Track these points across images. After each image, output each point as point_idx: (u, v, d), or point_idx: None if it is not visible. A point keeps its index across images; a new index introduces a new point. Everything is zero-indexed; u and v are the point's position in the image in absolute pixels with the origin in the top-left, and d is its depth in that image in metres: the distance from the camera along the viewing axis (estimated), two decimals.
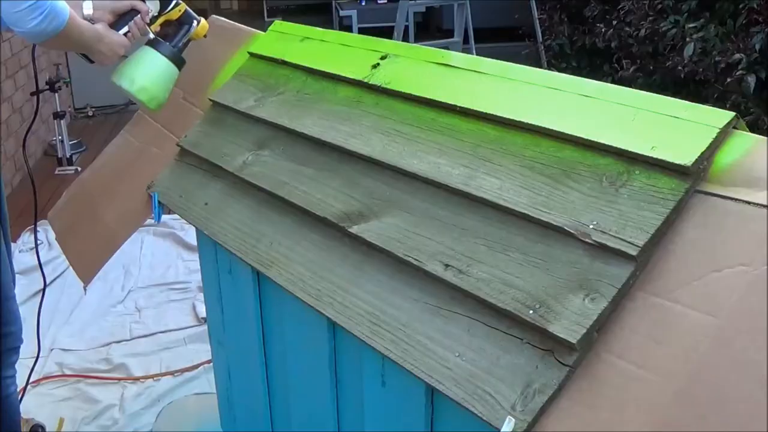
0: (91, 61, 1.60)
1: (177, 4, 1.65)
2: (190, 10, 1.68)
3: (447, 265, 1.06)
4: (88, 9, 1.55)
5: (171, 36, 1.65)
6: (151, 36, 1.63)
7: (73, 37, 1.49)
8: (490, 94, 1.23)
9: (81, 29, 1.50)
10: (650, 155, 0.98)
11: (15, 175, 4.24)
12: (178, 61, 1.64)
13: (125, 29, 1.59)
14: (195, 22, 1.67)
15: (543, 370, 0.92)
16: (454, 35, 5.21)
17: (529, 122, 1.13)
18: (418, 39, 5.56)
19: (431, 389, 1.06)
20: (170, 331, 2.78)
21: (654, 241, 0.92)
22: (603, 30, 4.48)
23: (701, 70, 3.66)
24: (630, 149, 1.00)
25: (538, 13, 5.15)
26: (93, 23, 1.54)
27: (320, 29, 1.68)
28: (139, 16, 1.60)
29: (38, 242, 3.39)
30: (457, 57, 1.36)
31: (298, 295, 1.24)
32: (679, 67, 3.74)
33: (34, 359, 2.13)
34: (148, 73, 1.60)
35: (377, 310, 1.12)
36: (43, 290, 2.02)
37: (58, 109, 4.54)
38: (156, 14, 1.64)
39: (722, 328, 0.83)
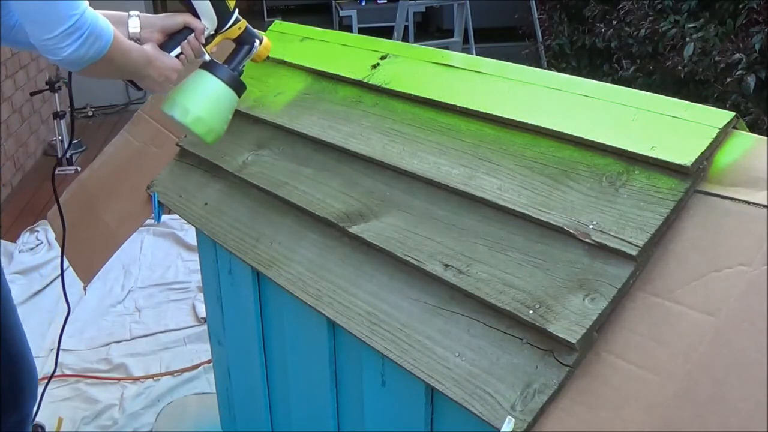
0: (139, 88, 1.40)
1: (237, 21, 1.41)
2: (252, 28, 1.44)
3: (447, 265, 1.06)
4: (134, 27, 1.34)
5: (229, 57, 1.42)
6: (207, 58, 1.38)
7: (117, 62, 1.26)
8: (489, 94, 1.23)
9: (127, 51, 1.28)
10: (650, 155, 0.98)
11: (15, 175, 4.24)
12: (238, 87, 1.40)
13: (177, 50, 1.36)
14: (257, 42, 1.43)
15: (543, 370, 0.92)
16: (454, 35, 5.21)
17: (529, 122, 1.13)
18: (417, 39, 5.56)
19: (431, 389, 1.06)
20: (170, 331, 2.78)
21: (654, 241, 0.92)
22: (603, 30, 4.47)
23: (701, 70, 3.65)
24: (630, 149, 1.00)
25: (538, 13, 5.15)
26: (140, 43, 1.34)
27: (320, 29, 1.68)
28: (193, 35, 1.36)
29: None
30: (456, 57, 1.36)
31: (298, 295, 1.24)
32: (679, 67, 3.74)
33: (44, 367, 2.11)
34: (203, 102, 1.36)
35: (377, 310, 1.12)
36: (66, 317, 1.88)
37: (58, 109, 4.54)
38: (212, 33, 1.40)
39: (722, 328, 0.83)
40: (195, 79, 1.38)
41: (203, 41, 1.38)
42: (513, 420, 0.89)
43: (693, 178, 0.94)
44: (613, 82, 3.67)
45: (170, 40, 1.36)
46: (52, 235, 2.04)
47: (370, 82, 1.40)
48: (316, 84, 1.53)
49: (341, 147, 1.34)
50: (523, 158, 1.11)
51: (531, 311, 0.95)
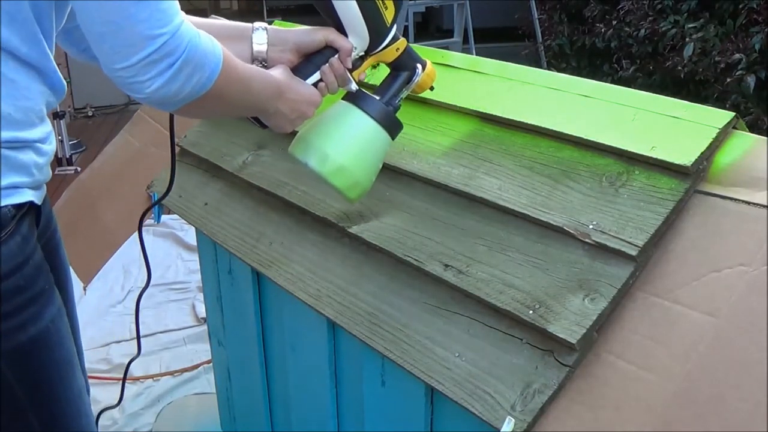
0: (264, 126, 1.06)
1: (395, 40, 1.07)
2: (413, 50, 1.11)
3: (447, 265, 1.06)
4: (260, 43, 1.03)
5: (382, 87, 1.10)
6: (354, 87, 1.06)
7: (230, 97, 0.93)
8: (489, 94, 1.22)
9: (246, 81, 0.95)
10: (650, 155, 0.98)
11: None
12: (393, 127, 1.07)
13: (316, 76, 1.04)
14: (418, 67, 1.10)
15: (543, 370, 0.92)
16: (454, 35, 5.21)
17: (529, 122, 1.13)
18: (417, 39, 5.56)
19: (431, 389, 1.06)
20: (170, 331, 2.78)
21: (654, 241, 0.92)
22: (603, 30, 4.47)
23: (701, 70, 3.66)
24: (630, 149, 1.00)
25: (538, 13, 5.15)
26: (267, 66, 1.03)
27: None
28: (336, 56, 1.04)
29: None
30: (456, 57, 1.36)
31: (297, 295, 1.24)
32: (679, 67, 3.74)
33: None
34: (348, 146, 1.04)
35: (377, 311, 1.12)
36: (133, 359, 1.77)
37: (58, 109, 4.54)
38: (362, 54, 1.07)
39: (722, 328, 0.83)
40: (337, 114, 1.06)
41: (350, 65, 1.05)
42: (513, 420, 0.89)
43: (693, 178, 0.94)
44: (613, 82, 3.67)
45: (307, 62, 1.05)
46: None
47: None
48: None
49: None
50: (523, 158, 1.11)
51: (531, 311, 0.95)
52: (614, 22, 4.40)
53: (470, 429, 0.99)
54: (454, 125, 1.23)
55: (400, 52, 1.09)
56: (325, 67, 1.04)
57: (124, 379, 1.72)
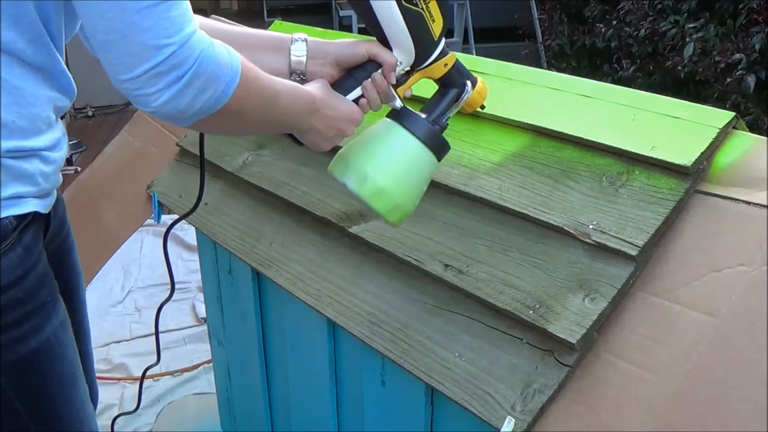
0: (300, 143, 1.02)
1: (443, 55, 1.01)
2: (462, 65, 1.05)
3: (447, 265, 1.06)
4: (299, 55, 0.98)
5: (429, 105, 1.04)
6: (399, 104, 1.00)
7: (252, 113, 0.88)
8: (490, 94, 1.22)
9: (272, 96, 0.89)
10: (650, 155, 0.98)
11: None
12: (439, 147, 1.01)
13: (357, 92, 0.99)
14: (468, 84, 1.04)
15: (543, 370, 0.92)
16: (454, 35, 5.21)
17: (529, 122, 1.13)
18: None
19: (431, 389, 1.06)
20: (170, 331, 2.78)
21: (654, 241, 0.92)
22: (603, 30, 4.47)
23: (701, 70, 3.65)
24: (630, 149, 1.00)
25: (538, 13, 5.15)
26: (304, 80, 0.99)
27: (320, 29, 1.68)
28: (380, 71, 0.98)
29: None
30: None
31: (297, 295, 1.24)
32: (679, 67, 3.74)
33: None
34: (389, 167, 0.98)
35: (377, 311, 1.12)
36: (152, 366, 1.72)
37: None
38: (407, 69, 1.01)
39: (722, 328, 0.83)
40: (379, 133, 1.00)
41: (394, 80, 0.99)
42: (513, 420, 0.89)
43: (693, 178, 0.94)
44: (613, 82, 3.67)
45: (348, 76, 1.00)
46: None
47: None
48: None
49: (341, 147, 1.34)
50: (523, 158, 1.11)
51: (531, 311, 0.95)
52: (614, 22, 4.40)
53: (470, 429, 0.99)
54: (453, 125, 1.23)
55: (448, 67, 1.03)
56: (367, 82, 0.98)
57: (141, 384, 1.71)
